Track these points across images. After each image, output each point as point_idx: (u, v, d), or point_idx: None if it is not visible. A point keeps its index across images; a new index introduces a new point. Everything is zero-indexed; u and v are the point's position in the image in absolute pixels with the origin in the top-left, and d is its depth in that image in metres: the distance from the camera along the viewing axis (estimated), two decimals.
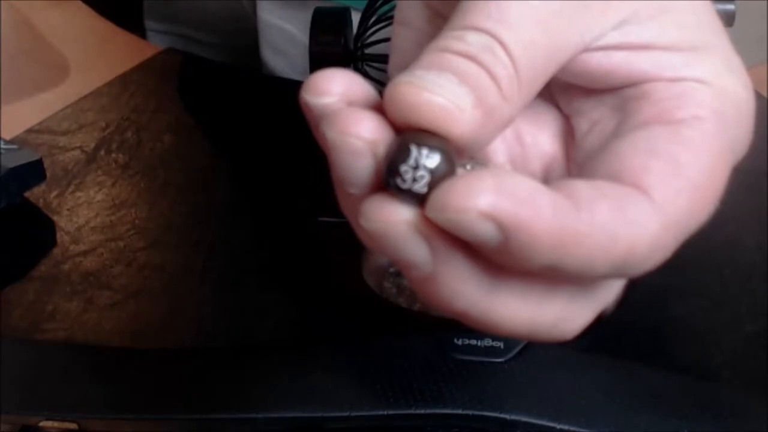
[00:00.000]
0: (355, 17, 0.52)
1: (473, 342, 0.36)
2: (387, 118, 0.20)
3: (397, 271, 0.41)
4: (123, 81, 0.58)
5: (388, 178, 0.19)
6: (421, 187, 0.19)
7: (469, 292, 0.20)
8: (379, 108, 0.20)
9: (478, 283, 0.20)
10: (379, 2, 0.50)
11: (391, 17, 0.50)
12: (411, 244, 0.19)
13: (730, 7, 0.46)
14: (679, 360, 0.37)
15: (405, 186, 0.19)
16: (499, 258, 0.19)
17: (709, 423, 0.33)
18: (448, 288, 0.20)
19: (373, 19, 0.50)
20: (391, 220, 0.19)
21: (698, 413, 0.34)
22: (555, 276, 0.20)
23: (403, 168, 0.19)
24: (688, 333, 0.39)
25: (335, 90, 0.21)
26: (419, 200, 0.19)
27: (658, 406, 0.34)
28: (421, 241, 0.19)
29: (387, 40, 0.51)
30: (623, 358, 0.36)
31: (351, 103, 0.20)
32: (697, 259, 0.43)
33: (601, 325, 0.36)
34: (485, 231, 0.18)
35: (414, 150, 0.19)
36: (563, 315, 0.21)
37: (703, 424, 0.33)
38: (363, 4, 0.50)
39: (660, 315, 0.40)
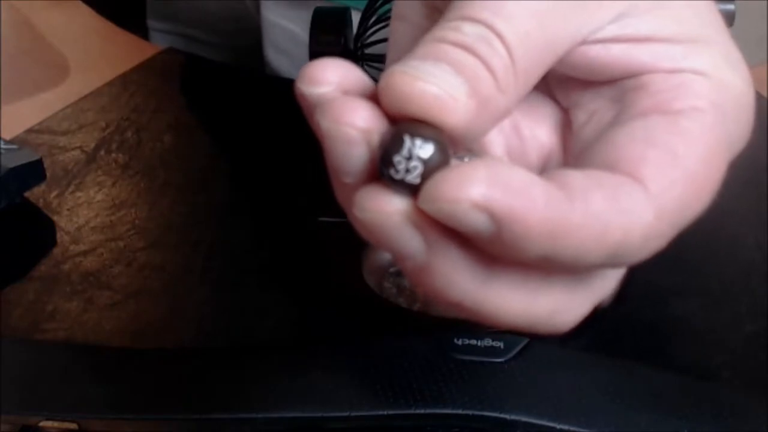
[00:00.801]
0: (355, 17, 0.52)
1: (473, 342, 0.36)
2: (382, 107, 0.20)
3: (397, 271, 0.41)
4: (123, 81, 0.58)
5: (381, 168, 0.19)
6: (414, 177, 0.19)
7: (463, 283, 0.20)
8: (375, 97, 0.20)
9: (473, 274, 0.20)
10: (379, 2, 0.50)
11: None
12: (404, 234, 0.19)
13: (730, 7, 0.46)
14: (679, 360, 0.37)
15: (398, 176, 0.19)
16: (492, 248, 0.19)
17: (709, 423, 0.33)
18: (442, 278, 0.20)
19: (373, 19, 0.50)
20: (385, 210, 0.19)
21: (698, 413, 0.34)
22: (550, 266, 0.20)
23: (397, 158, 0.19)
24: (688, 332, 0.39)
25: (330, 79, 0.21)
26: (412, 191, 0.19)
27: (658, 406, 0.34)
28: (414, 232, 0.19)
29: (387, 40, 0.51)
30: (623, 358, 0.36)
31: (346, 93, 0.20)
32: (696, 257, 0.43)
33: (600, 324, 0.36)
34: (478, 222, 0.18)
35: (407, 140, 0.19)
36: (559, 306, 0.21)
37: (703, 424, 0.33)
38: (363, 4, 0.50)
39: (660, 314, 0.40)
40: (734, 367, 0.37)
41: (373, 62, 0.51)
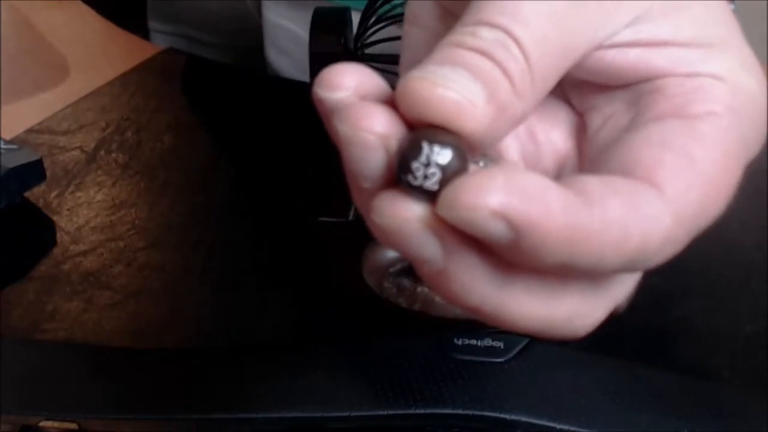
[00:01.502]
0: (355, 17, 0.52)
1: (473, 342, 0.36)
2: (399, 112, 0.20)
3: (397, 271, 0.41)
4: (123, 81, 0.58)
5: (399, 175, 0.19)
6: (432, 184, 0.19)
7: (481, 288, 0.20)
8: (392, 102, 0.20)
9: (491, 279, 0.20)
10: (379, 2, 0.50)
11: (391, 17, 0.50)
12: (422, 240, 0.19)
13: (730, 7, 0.46)
14: (680, 360, 0.37)
15: (416, 183, 0.19)
16: (510, 255, 0.19)
17: (709, 423, 0.33)
18: (460, 284, 0.20)
19: (373, 19, 0.50)
20: (403, 216, 0.19)
21: (698, 413, 0.34)
22: (568, 272, 0.20)
23: (415, 165, 0.19)
24: (688, 333, 0.39)
25: (348, 84, 0.21)
26: (431, 197, 0.19)
27: (658, 406, 0.34)
28: (432, 238, 0.19)
29: (387, 40, 0.51)
30: (623, 358, 0.36)
31: (363, 98, 0.20)
32: (697, 259, 0.43)
33: (601, 324, 0.36)
34: (496, 229, 0.18)
35: (425, 146, 0.19)
36: (577, 311, 0.21)
37: (703, 424, 0.33)
38: (363, 4, 0.50)
39: (660, 315, 0.40)
40: (734, 367, 0.37)
41: (373, 62, 0.51)
